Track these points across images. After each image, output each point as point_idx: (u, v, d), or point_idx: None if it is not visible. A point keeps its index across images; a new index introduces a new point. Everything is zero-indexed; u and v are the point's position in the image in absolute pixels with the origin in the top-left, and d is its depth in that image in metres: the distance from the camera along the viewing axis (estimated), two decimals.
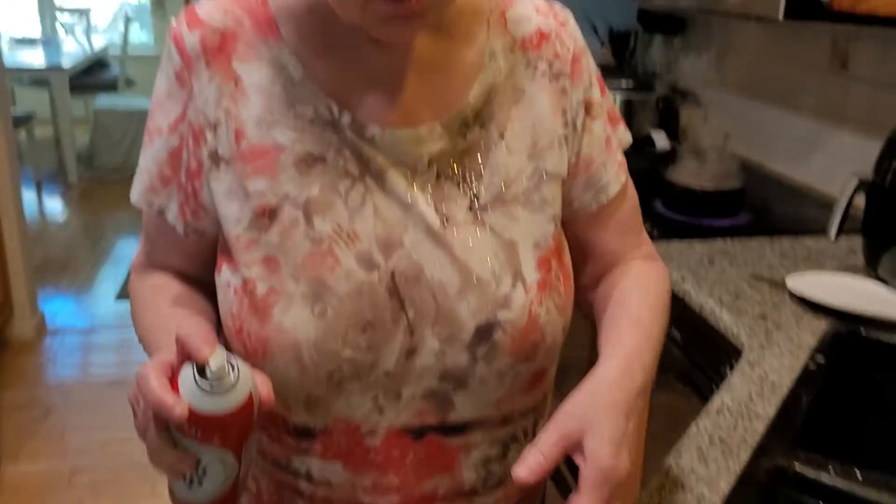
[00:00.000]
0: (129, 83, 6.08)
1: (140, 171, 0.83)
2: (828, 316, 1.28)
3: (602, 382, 0.71)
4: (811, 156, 2.02)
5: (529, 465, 0.64)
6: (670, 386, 1.56)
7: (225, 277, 0.79)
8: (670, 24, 2.63)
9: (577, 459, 0.66)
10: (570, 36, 0.84)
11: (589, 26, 2.99)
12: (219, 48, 0.77)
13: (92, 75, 5.81)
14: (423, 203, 0.77)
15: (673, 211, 1.78)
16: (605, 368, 0.73)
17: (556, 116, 0.82)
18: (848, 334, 1.23)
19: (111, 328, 3.41)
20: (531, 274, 0.78)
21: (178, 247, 0.85)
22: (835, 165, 1.93)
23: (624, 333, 0.78)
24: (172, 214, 0.82)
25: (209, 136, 0.77)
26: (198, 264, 0.86)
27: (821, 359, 1.15)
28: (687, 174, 1.82)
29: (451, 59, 0.80)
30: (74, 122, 5.46)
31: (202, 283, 0.87)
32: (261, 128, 0.76)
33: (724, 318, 1.28)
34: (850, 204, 1.41)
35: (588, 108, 0.84)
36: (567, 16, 0.85)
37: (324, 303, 0.74)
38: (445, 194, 0.78)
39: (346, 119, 0.76)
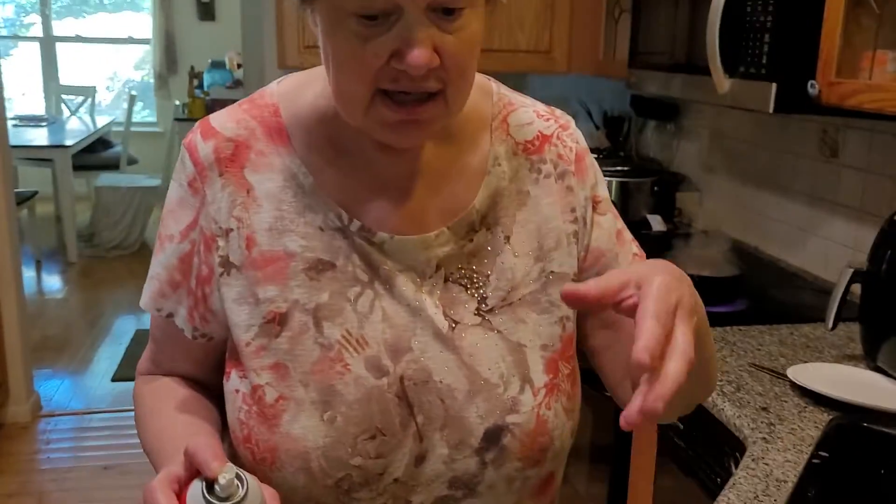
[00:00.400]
0: (132, 161, 6.16)
1: (150, 277, 0.85)
2: (830, 408, 1.28)
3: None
4: (806, 241, 2.05)
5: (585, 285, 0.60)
6: (672, 474, 1.55)
7: (233, 384, 0.80)
8: (663, 110, 2.70)
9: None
10: (572, 137, 0.87)
11: (583, 110, 3.06)
12: (231, 157, 0.80)
13: (95, 153, 5.89)
14: (432, 307, 0.78)
15: None
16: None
17: (564, 214, 0.84)
18: (851, 427, 1.23)
19: (106, 410, 3.38)
20: (539, 377, 0.79)
21: (186, 351, 0.86)
22: (829, 251, 1.96)
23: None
24: (181, 319, 0.83)
25: (221, 242, 0.79)
26: (204, 369, 0.87)
27: (824, 452, 1.15)
28: (683, 260, 1.85)
29: (457, 164, 0.82)
30: (76, 198, 5.51)
31: (208, 388, 0.87)
32: (272, 235, 0.78)
33: (727, 411, 1.28)
34: (846, 294, 1.43)
35: (595, 204, 0.86)
36: (568, 120, 0.88)
37: (333, 409, 0.75)
38: (453, 297, 0.79)
39: (355, 226, 0.78)
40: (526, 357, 0.79)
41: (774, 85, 1.55)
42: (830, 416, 1.25)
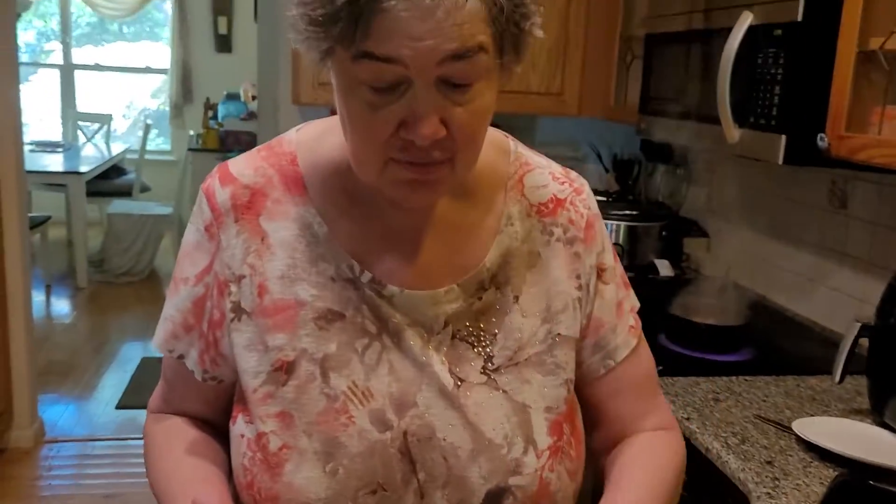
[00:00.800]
0: (144, 189, 6.21)
1: (164, 318, 0.86)
2: (836, 463, 1.27)
3: None
4: (814, 291, 2.05)
5: None
6: None
7: (239, 428, 0.80)
8: (673, 155, 2.72)
9: None
10: (585, 202, 0.88)
11: (593, 153, 3.09)
12: (248, 205, 0.81)
13: (108, 180, 5.94)
14: (438, 363, 0.79)
15: (676, 344, 1.79)
16: None
17: (570, 280, 0.84)
18: (856, 484, 1.22)
19: (109, 438, 3.37)
20: (543, 439, 0.79)
21: (196, 392, 0.87)
22: (837, 301, 1.96)
23: None
24: (192, 361, 0.84)
25: (233, 288, 0.80)
26: (215, 410, 0.87)
27: None
28: (691, 308, 1.85)
29: (470, 221, 0.83)
30: (88, 224, 5.55)
31: (218, 428, 0.88)
32: (284, 283, 0.79)
33: (731, 464, 1.28)
34: (854, 348, 1.43)
35: (601, 272, 0.87)
36: (583, 184, 0.89)
37: (336, 461, 0.75)
38: (460, 355, 0.80)
39: (366, 278, 0.79)
40: (530, 418, 0.79)
41: (784, 137, 1.57)
42: (836, 472, 1.24)
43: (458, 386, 0.78)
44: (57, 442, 3.32)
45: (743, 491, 1.23)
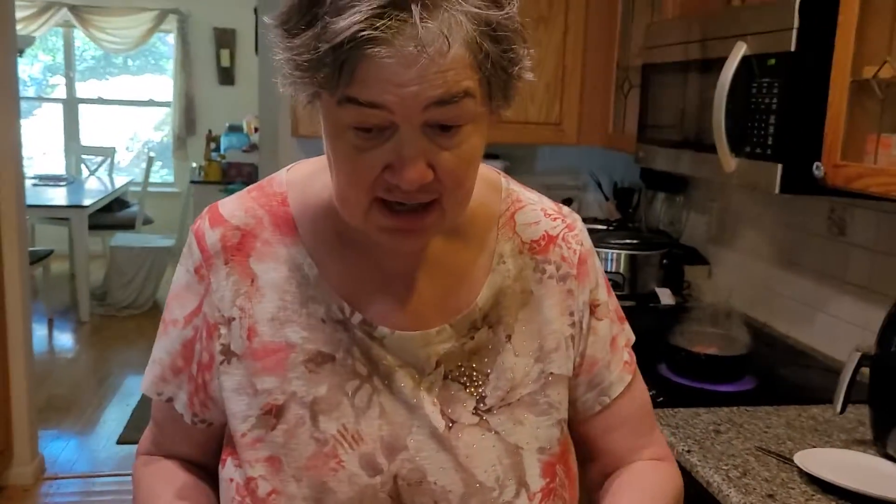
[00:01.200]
0: (147, 221, 6.23)
1: (153, 361, 0.85)
2: (838, 496, 1.25)
3: None
4: (814, 318, 2.04)
5: None
6: None
7: (228, 472, 0.80)
8: (672, 183, 2.72)
9: None
10: (577, 238, 0.87)
11: (593, 181, 3.09)
12: (237, 246, 0.81)
13: (111, 212, 5.96)
14: (429, 404, 0.78)
15: (677, 375, 1.78)
16: None
17: (563, 317, 0.84)
18: None
19: (111, 474, 3.35)
20: (536, 481, 0.78)
21: (186, 435, 0.86)
22: (838, 329, 1.95)
23: None
24: (181, 404, 0.84)
25: (223, 331, 0.80)
26: (204, 453, 0.86)
27: None
28: (692, 337, 1.84)
29: (462, 261, 0.83)
30: (91, 257, 5.56)
31: (208, 471, 0.87)
32: (273, 325, 0.79)
33: (732, 498, 1.26)
34: (854, 377, 1.42)
35: (594, 308, 0.86)
36: (575, 220, 0.89)
37: None
38: (452, 395, 0.79)
39: (356, 319, 0.79)
40: (522, 460, 0.79)
41: (780, 166, 1.57)
42: None
43: (450, 427, 0.78)
44: (57, 479, 3.30)
45: None
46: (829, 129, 1.48)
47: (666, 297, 2.44)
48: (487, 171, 0.88)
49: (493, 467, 0.77)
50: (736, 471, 1.34)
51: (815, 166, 1.50)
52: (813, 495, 1.27)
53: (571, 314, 0.84)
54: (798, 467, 1.33)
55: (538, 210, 0.87)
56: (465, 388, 0.79)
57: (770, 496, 1.26)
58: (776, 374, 1.85)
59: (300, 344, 0.78)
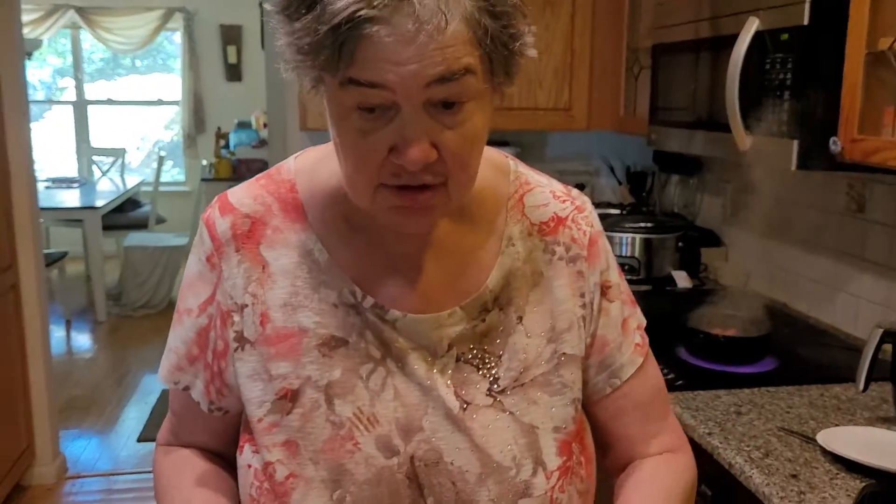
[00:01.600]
0: (160, 220, 6.26)
1: (168, 350, 0.85)
2: (863, 474, 1.24)
3: None
4: (835, 297, 2.02)
5: None
6: None
7: (246, 458, 0.79)
8: (686, 165, 2.69)
9: None
10: (587, 220, 0.86)
11: (606, 166, 3.07)
12: (248, 234, 0.81)
13: (124, 213, 5.99)
14: (443, 386, 0.77)
15: (697, 358, 1.76)
16: None
17: (574, 298, 0.83)
18: (884, 495, 1.19)
19: (132, 471, 3.37)
20: (552, 459, 0.77)
21: (204, 423, 0.86)
22: (859, 307, 1.92)
23: None
24: (197, 392, 0.83)
25: (236, 318, 0.79)
26: (222, 441, 0.86)
27: None
28: (710, 320, 1.82)
29: (471, 244, 0.82)
30: (105, 258, 5.59)
31: (226, 459, 0.87)
32: (286, 311, 0.78)
33: (755, 478, 1.24)
34: (876, 354, 1.40)
35: (605, 290, 0.85)
36: (584, 202, 0.88)
37: (343, 489, 0.74)
38: (465, 377, 0.78)
39: (368, 303, 0.78)
40: (538, 439, 0.78)
41: (796, 142, 1.55)
42: (863, 484, 1.21)
43: (464, 409, 0.77)
44: (80, 478, 3.32)
45: None
46: (846, 103, 1.46)
47: (683, 280, 2.42)
48: (495, 155, 0.87)
49: (510, 447, 0.77)
50: (758, 451, 1.32)
51: (831, 141, 1.47)
52: (837, 474, 1.25)
53: (582, 295, 0.83)
54: (821, 446, 1.31)
55: (547, 192, 0.87)
56: (478, 370, 0.79)
57: (793, 476, 1.24)
58: (797, 355, 1.83)
59: (313, 329, 0.78)
